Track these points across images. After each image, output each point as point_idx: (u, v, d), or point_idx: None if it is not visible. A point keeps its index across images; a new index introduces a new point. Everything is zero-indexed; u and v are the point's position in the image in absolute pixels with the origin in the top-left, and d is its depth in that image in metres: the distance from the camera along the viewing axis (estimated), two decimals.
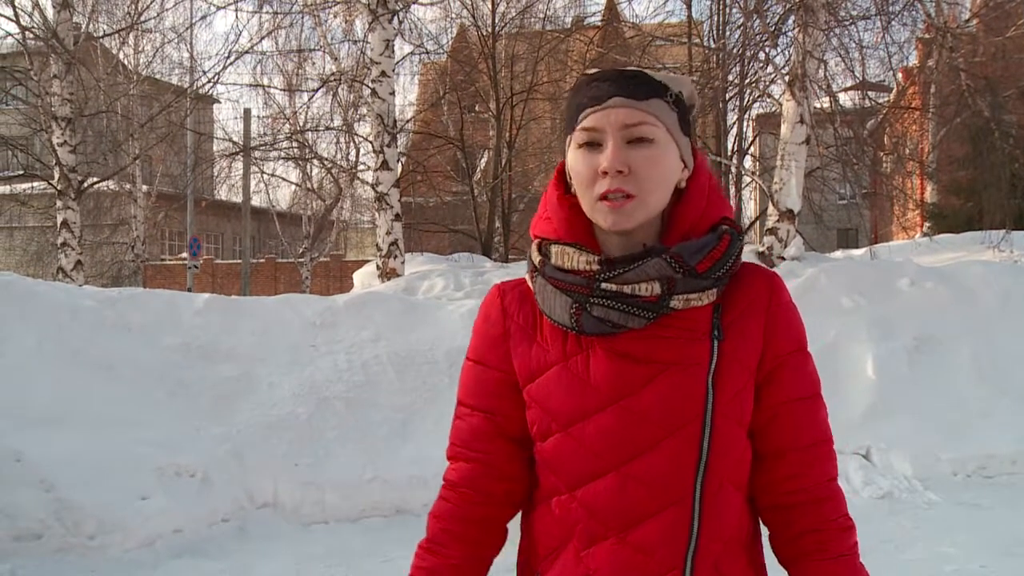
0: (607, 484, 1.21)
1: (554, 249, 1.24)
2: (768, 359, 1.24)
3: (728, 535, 1.23)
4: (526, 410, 1.28)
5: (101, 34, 14.45)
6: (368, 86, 9.32)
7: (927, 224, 16.38)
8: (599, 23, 14.07)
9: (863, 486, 5.78)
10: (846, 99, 11.37)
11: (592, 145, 1.20)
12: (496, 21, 13.62)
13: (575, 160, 1.22)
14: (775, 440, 1.25)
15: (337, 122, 14.60)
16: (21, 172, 13.38)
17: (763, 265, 1.29)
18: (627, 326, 1.19)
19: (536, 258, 1.28)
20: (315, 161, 16.56)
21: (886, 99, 13.92)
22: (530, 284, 1.29)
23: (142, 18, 14.01)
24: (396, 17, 9.49)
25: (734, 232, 1.25)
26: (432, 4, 12.80)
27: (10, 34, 11.72)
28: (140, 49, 18.49)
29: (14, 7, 10.69)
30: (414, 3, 10.71)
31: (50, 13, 10.75)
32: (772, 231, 8.36)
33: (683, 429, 1.19)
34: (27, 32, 10.92)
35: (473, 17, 13.86)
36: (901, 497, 5.66)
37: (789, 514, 1.26)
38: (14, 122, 14.04)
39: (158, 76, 18.89)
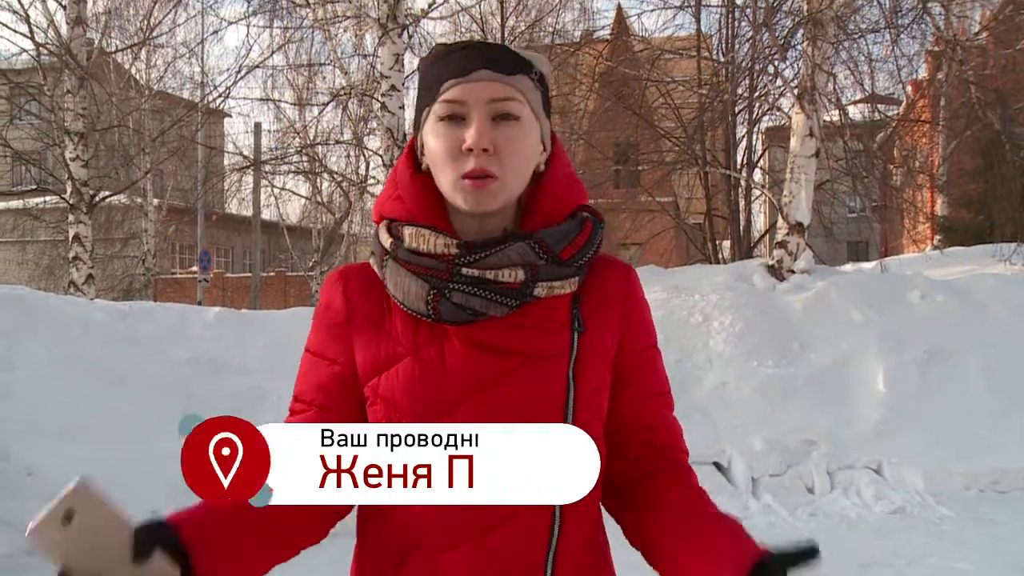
0: None
1: (407, 231, 1.14)
2: (626, 352, 1.20)
3: (587, 536, 1.17)
4: (367, 406, 1.16)
5: (114, 49, 14.56)
6: (378, 100, 9.36)
7: (938, 237, 16.31)
8: (608, 37, 14.09)
9: (875, 501, 5.74)
10: (855, 112, 11.36)
11: (454, 119, 1.11)
12: (506, 35, 13.66)
13: (434, 135, 1.13)
14: (633, 430, 1.21)
15: (347, 136, 14.66)
16: (34, 186, 13.45)
17: (616, 257, 1.25)
18: (488, 314, 1.10)
19: (386, 240, 1.16)
20: (325, 175, 16.64)
21: (896, 112, 13.89)
22: (376, 269, 1.18)
23: (154, 33, 14.12)
24: (406, 31, 9.54)
25: (595, 220, 1.20)
26: (442, 18, 12.88)
27: (25, 50, 11.84)
28: (152, 64, 18.61)
29: (29, 24, 10.81)
30: (424, 17, 10.76)
31: (64, 29, 10.86)
32: (782, 244, 8.34)
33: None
34: (41, 48, 11.03)
35: (483, 31, 13.92)
36: (913, 512, 5.62)
37: (646, 463, 1.19)
38: (27, 137, 14.11)
39: (170, 91, 18.99)
